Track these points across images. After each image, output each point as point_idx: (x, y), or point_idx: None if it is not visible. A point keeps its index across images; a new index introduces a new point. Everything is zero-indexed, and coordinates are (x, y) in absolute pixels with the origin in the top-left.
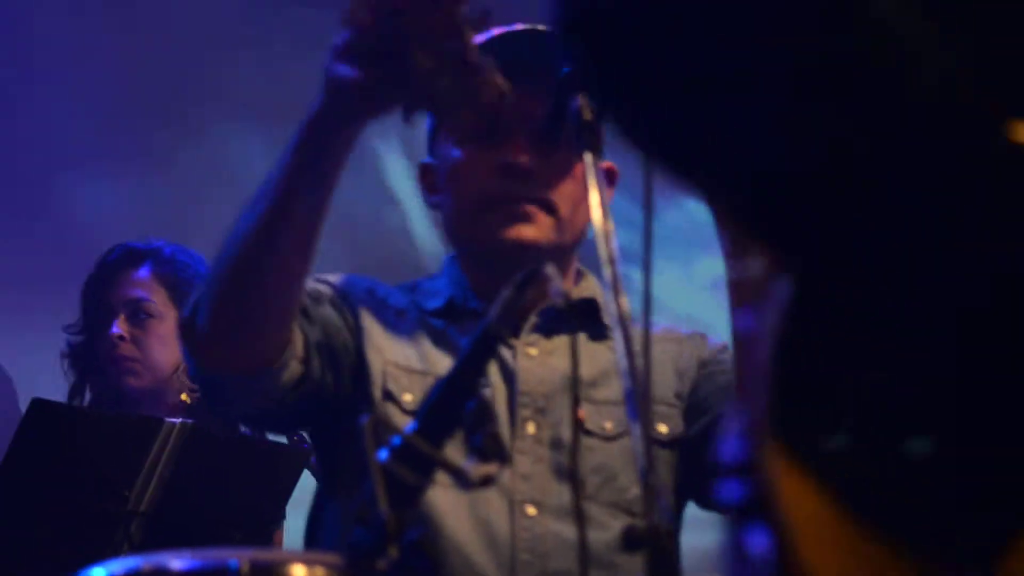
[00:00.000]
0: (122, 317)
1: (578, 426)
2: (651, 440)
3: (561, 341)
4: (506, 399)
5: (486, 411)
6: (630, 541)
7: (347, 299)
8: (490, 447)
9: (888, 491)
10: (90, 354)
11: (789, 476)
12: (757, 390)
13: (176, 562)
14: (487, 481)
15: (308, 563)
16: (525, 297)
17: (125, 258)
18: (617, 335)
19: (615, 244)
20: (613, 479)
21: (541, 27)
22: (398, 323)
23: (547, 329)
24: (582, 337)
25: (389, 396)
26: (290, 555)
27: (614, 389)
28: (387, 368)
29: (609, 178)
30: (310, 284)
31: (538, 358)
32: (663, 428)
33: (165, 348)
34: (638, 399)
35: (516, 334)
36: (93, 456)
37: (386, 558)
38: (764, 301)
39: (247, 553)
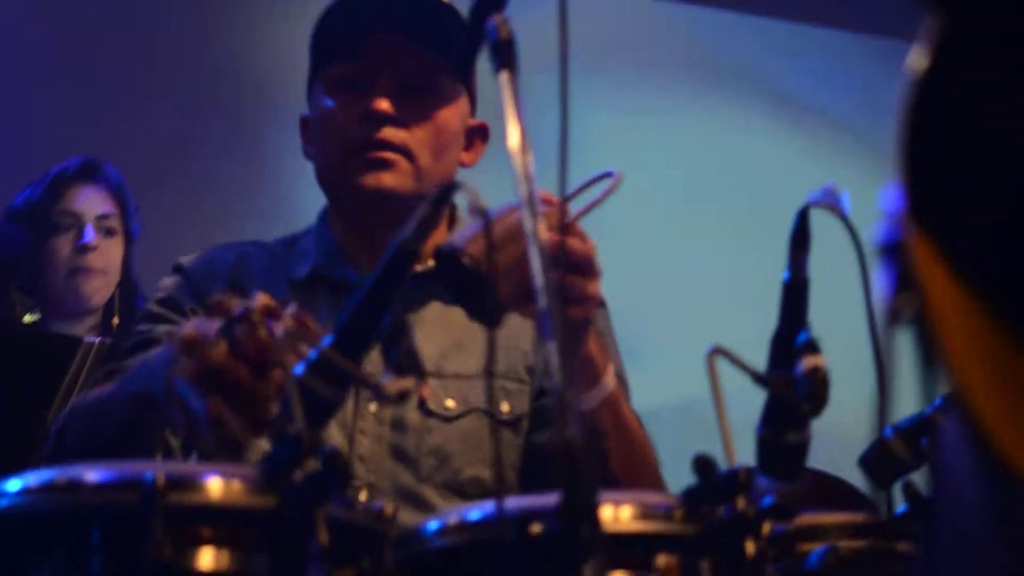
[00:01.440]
0: (93, 227)
1: (420, 405)
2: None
3: (414, 314)
4: None
5: (402, 326)
6: (546, 457)
7: (201, 297)
8: (406, 362)
9: None
10: (32, 267)
11: (933, 266)
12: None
13: (91, 473)
14: (403, 396)
15: (225, 475)
16: (440, 212)
17: (85, 172)
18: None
19: (532, 165)
20: (447, 460)
21: None
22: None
23: (408, 298)
24: (436, 305)
25: None
26: (206, 467)
27: (465, 361)
28: None
29: (481, 135)
30: (154, 307)
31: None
32: (505, 407)
33: (117, 268)
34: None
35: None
36: (9, 376)
37: (302, 471)
38: None
39: (163, 464)
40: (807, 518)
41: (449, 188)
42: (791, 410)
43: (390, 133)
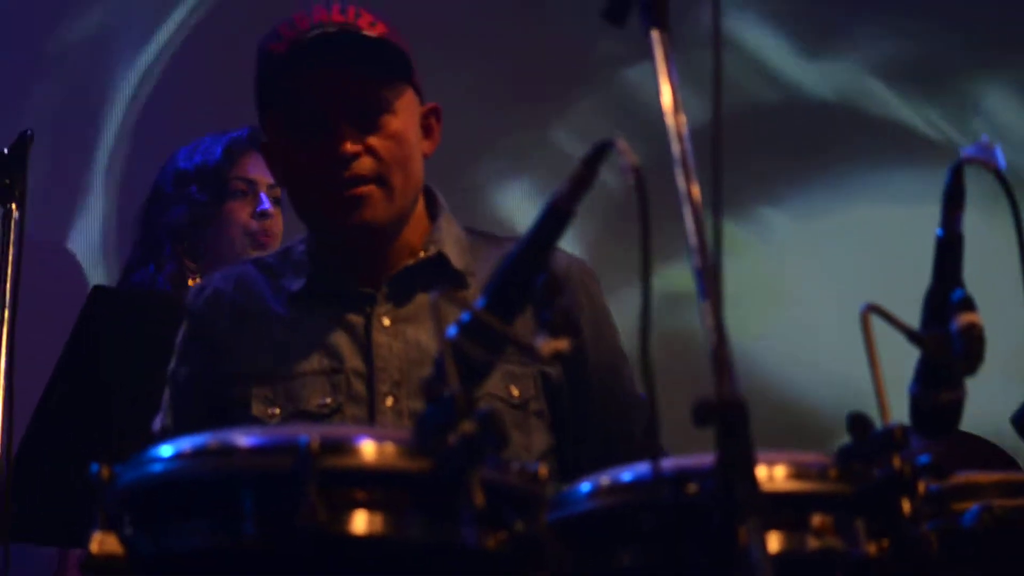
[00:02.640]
0: (267, 197)
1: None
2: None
3: (415, 306)
4: (364, 374)
5: (555, 285)
6: (700, 415)
7: (201, 350)
8: (560, 321)
9: None
10: (204, 231)
11: None
12: None
13: (244, 438)
14: (557, 356)
15: (378, 438)
16: (594, 172)
17: (256, 139)
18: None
19: (684, 125)
20: None
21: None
22: (260, 326)
23: (399, 295)
24: (425, 297)
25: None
26: (360, 429)
27: None
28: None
29: (435, 116)
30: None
31: (392, 328)
32: (514, 391)
33: (281, 238)
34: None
35: (372, 303)
36: (158, 339)
37: (456, 433)
38: None
39: (317, 428)
40: (962, 476)
41: (603, 146)
42: (946, 368)
43: (359, 167)
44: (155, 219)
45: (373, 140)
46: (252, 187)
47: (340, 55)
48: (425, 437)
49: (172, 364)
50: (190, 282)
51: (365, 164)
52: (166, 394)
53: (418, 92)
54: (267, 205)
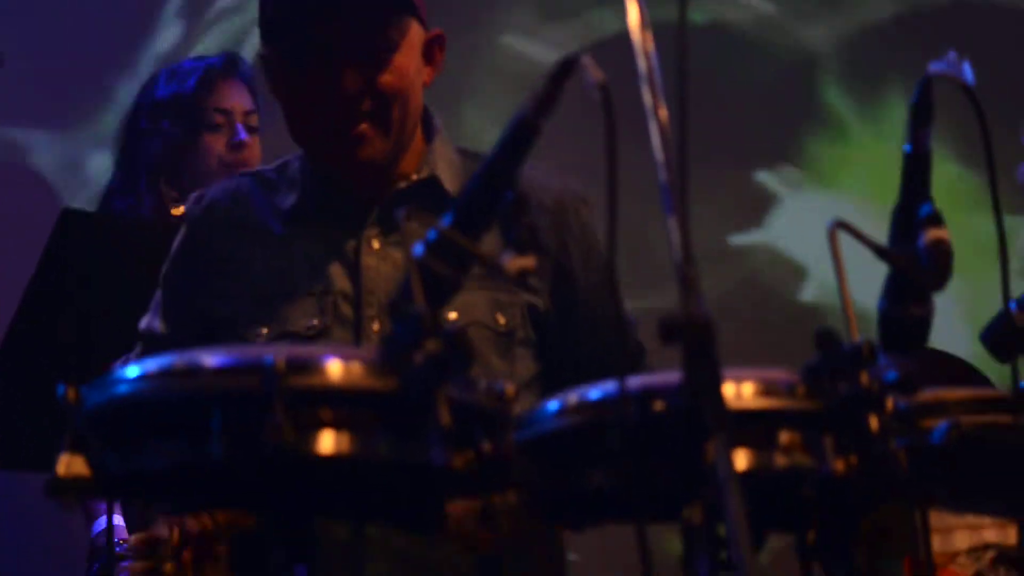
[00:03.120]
0: (243, 126)
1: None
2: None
3: (407, 230)
4: (352, 297)
5: (522, 203)
6: (665, 330)
7: (196, 259)
8: (526, 239)
9: None
10: (182, 161)
11: None
12: None
13: (210, 358)
14: (523, 274)
15: (344, 357)
16: (559, 88)
17: (231, 66)
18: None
19: (651, 43)
20: None
21: None
22: (253, 243)
23: (390, 218)
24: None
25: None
26: (326, 348)
27: None
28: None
29: (439, 44)
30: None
31: (381, 251)
32: (501, 319)
33: (258, 164)
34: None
35: (362, 226)
36: (130, 264)
37: (422, 352)
38: None
39: (283, 348)
40: (930, 393)
41: (567, 63)
42: (914, 284)
43: (359, 105)
44: (131, 150)
45: (375, 76)
46: (228, 117)
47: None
48: (391, 356)
49: (166, 266)
50: (173, 211)
51: (366, 101)
52: (157, 295)
53: (422, 21)
54: (243, 135)
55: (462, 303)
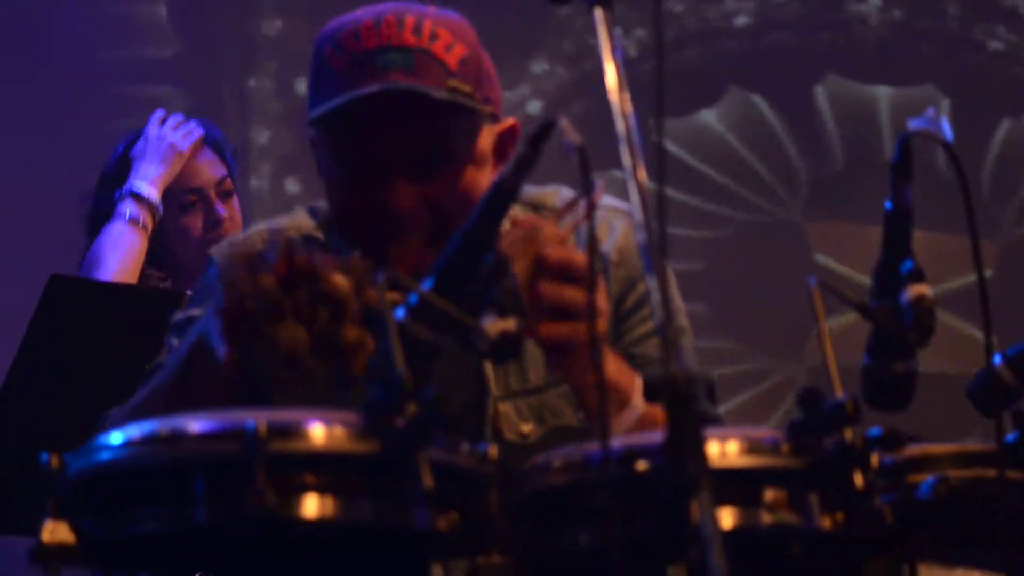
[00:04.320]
0: (214, 199)
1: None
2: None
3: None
4: None
5: (502, 265)
6: (650, 390)
7: None
8: (507, 301)
9: None
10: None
11: None
12: None
13: (193, 423)
14: (504, 337)
15: (327, 421)
16: (538, 150)
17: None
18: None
19: (628, 103)
20: None
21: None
22: None
23: None
24: None
25: None
26: (308, 413)
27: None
28: None
29: (512, 137)
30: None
31: None
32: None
33: (240, 224)
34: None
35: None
36: (115, 330)
37: (404, 415)
38: None
39: (264, 412)
40: (916, 448)
41: (546, 126)
42: (897, 340)
43: (412, 222)
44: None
45: (433, 190)
46: (201, 194)
47: (403, 111)
48: (373, 419)
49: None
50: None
51: (421, 219)
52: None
53: (495, 115)
54: (220, 211)
55: (542, 408)
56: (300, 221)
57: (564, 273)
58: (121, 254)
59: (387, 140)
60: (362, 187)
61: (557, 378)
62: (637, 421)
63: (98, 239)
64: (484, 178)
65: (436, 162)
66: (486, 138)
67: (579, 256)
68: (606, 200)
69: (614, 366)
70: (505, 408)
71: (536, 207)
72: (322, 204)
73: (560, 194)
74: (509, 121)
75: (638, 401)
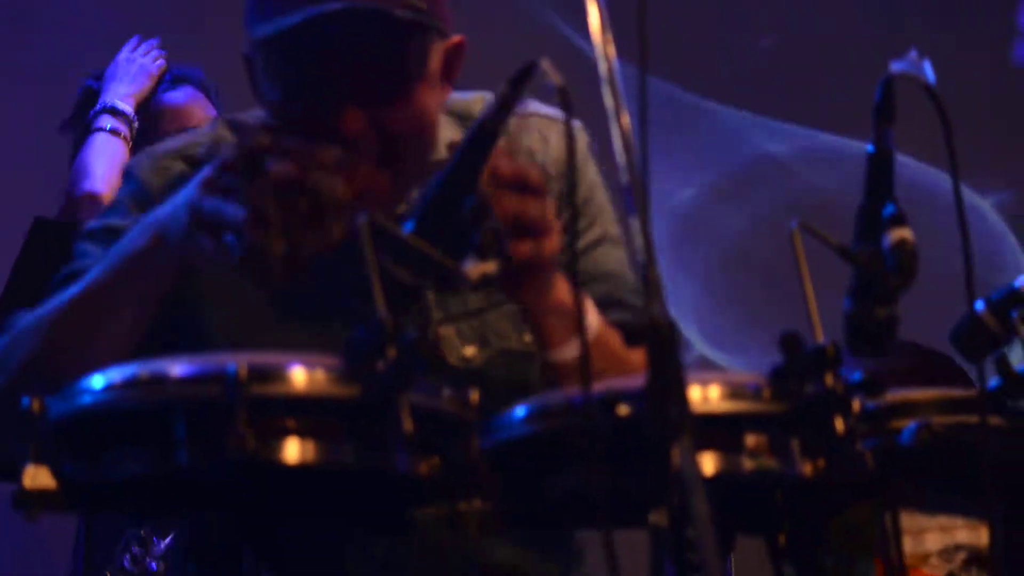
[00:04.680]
0: None
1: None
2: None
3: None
4: None
5: (485, 207)
6: (631, 336)
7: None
8: (489, 244)
9: None
10: None
11: None
12: None
13: (174, 367)
14: (485, 280)
15: (307, 364)
16: (519, 92)
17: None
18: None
19: (612, 45)
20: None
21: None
22: None
23: None
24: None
25: None
26: (289, 356)
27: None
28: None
29: (458, 54)
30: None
31: None
32: (526, 337)
33: None
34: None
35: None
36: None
37: (385, 359)
38: None
39: (245, 355)
40: (898, 394)
41: (527, 68)
42: (879, 284)
43: (362, 147)
44: None
45: (383, 113)
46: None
47: (361, 32)
48: (354, 363)
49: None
50: None
51: (370, 142)
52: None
53: (444, 34)
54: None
55: (485, 330)
56: (221, 132)
57: (519, 186)
58: (107, 161)
59: (341, 62)
60: (309, 110)
61: (499, 299)
62: (593, 342)
63: (82, 150)
64: (434, 97)
65: (389, 84)
66: (436, 56)
67: (532, 169)
68: (535, 106)
69: (563, 286)
70: (447, 331)
71: (463, 117)
72: (241, 116)
73: (487, 101)
74: (456, 38)
75: (592, 319)
